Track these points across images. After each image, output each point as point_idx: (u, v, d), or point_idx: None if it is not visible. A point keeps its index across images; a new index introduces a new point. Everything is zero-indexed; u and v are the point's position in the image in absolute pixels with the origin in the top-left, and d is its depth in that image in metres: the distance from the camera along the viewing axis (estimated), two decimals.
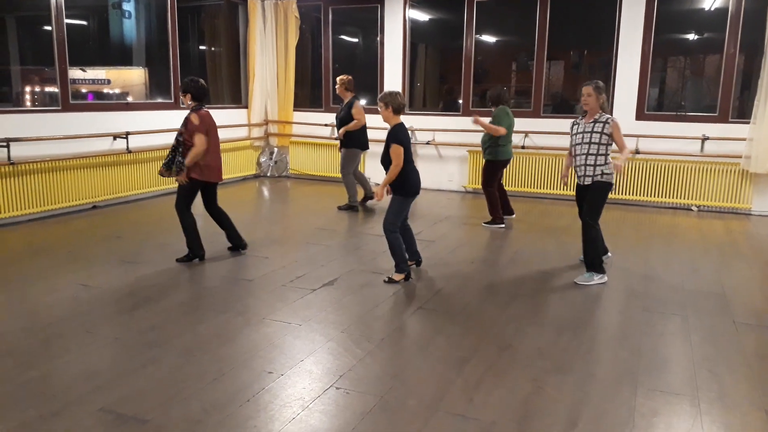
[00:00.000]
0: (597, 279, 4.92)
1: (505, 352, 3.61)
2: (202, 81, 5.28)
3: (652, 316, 4.24)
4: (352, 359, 3.49)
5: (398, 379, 3.26)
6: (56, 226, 6.65)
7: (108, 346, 3.63)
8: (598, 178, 4.92)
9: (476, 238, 6.54)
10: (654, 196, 8.27)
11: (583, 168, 4.97)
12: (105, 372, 3.29)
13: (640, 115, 8.28)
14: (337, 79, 7.83)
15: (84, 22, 9.33)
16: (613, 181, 4.97)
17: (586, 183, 4.99)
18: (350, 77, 7.82)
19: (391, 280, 4.89)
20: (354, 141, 7.74)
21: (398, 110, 4.84)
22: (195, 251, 5.37)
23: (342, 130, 7.67)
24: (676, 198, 8.15)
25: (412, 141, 9.50)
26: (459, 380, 3.25)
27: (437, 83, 11.29)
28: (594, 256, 4.96)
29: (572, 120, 5.16)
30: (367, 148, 7.96)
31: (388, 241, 4.87)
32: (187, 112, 5.23)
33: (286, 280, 4.87)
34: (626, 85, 8.29)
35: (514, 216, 7.34)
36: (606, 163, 4.91)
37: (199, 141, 5.10)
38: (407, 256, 5.06)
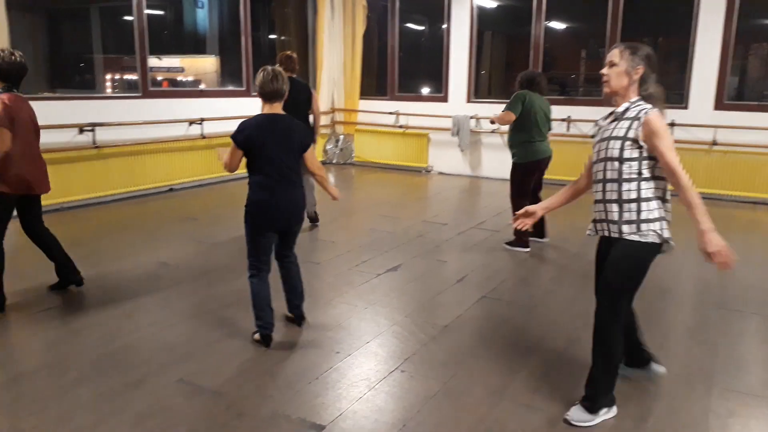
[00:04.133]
0: (602, 414, 2.76)
1: (572, 346, 3.57)
2: (16, 55, 3.73)
3: (728, 314, 4.08)
4: (416, 344, 3.54)
5: (462, 366, 3.28)
6: (136, 207, 7.00)
7: (186, 322, 3.82)
8: (627, 232, 2.60)
9: None
10: (732, 189, 7.89)
11: (600, 207, 2.70)
12: (183, 346, 3.47)
13: (719, 105, 7.90)
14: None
15: (161, 12, 9.72)
16: (662, 239, 2.60)
17: (605, 234, 2.71)
18: (291, 54, 5.79)
19: (254, 338, 3.51)
20: None
21: (265, 97, 3.35)
22: None
23: None
24: (757, 192, 7.75)
25: (477, 129, 9.43)
26: (524, 371, 3.24)
27: (503, 71, 11.13)
28: (600, 379, 2.75)
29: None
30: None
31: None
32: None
33: (351, 265, 4.97)
34: (704, 73, 7.91)
35: (546, 240, 5.69)
36: (648, 202, 2.58)
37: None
38: (287, 307, 3.71)
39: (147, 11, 7.40)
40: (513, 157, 5.57)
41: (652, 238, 2.60)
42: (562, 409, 2.85)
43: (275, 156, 3.30)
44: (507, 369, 3.26)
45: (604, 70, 2.67)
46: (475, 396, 2.98)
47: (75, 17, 9.21)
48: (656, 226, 2.60)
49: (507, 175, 9.22)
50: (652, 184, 2.61)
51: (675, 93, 8.63)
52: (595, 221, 2.77)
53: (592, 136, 2.85)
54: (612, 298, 2.70)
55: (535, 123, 5.33)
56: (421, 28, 11.18)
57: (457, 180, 9.34)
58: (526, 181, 5.51)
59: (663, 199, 2.65)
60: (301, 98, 5.52)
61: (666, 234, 2.63)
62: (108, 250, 5.30)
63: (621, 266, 2.65)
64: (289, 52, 5.78)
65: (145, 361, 3.27)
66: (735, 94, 8.39)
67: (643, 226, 2.59)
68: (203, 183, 8.28)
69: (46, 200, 6.37)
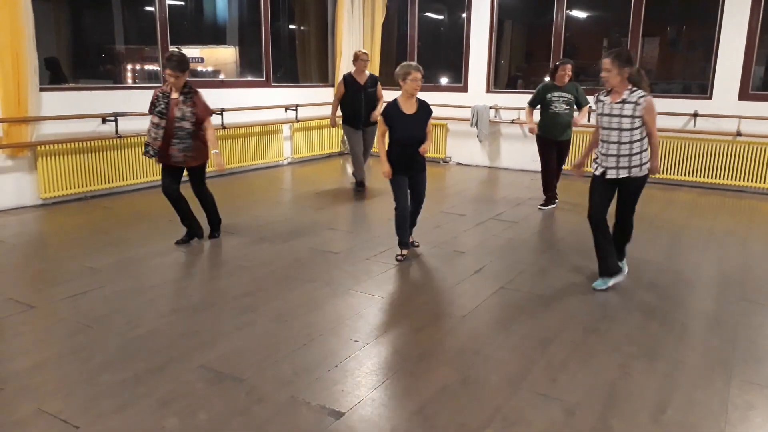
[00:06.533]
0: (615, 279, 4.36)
1: (591, 336, 3.56)
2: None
3: (749, 306, 4.04)
4: (434, 333, 3.56)
5: (480, 356, 3.30)
6: (157, 196, 7.06)
7: (206, 310, 3.88)
8: (636, 172, 4.10)
9: (559, 220, 6.42)
10: (756, 181, 7.77)
11: (613, 159, 4.11)
12: (204, 333, 3.53)
13: (744, 95, 7.77)
14: (365, 53, 7.39)
15: (182, 2, 9.76)
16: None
17: (614, 176, 4.13)
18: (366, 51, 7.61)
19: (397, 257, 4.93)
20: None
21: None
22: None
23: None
24: None
25: (496, 119, 9.40)
26: (542, 360, 3.25)
27: (523, 61, 11.03)
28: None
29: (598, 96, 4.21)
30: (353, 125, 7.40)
31: None
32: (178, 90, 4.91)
33: (369, 254, 4.99)
34: (729, 62, 7.78)
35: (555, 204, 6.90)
36: (643, 152, 4.10)
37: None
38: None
39: (169, 1, 7.46)
40: None
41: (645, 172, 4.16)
42: (580, 400, 2.86)
43: (402, 134, 4.70)
44: (525, 359, 3.27)
45: (603, 74, 4.00)
46: (493, 385, 3.00)
47: (97, 7, 9.30)
48: (648, 164, 4.13)
49: (525, 165, 9.24)
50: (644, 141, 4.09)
51: (698, 83, 8.50)
52: (605, 167, 4.13)
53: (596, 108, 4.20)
54: (632, 213, 4.29)
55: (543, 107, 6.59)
56: (441, 17, 11.11)
57: (475, 171, 9.31)
58: (540, 150, 6.78)
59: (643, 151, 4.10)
60: (374, 88, 7.39)
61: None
62: (130, 238, 5.39)
63: (637, 193, 4.21)
64: (364, 50, 7.71)
65: (167, 347, 3.33)
66: (760, 83, 8.22)
67: (644, 167, 4.11)
68: (225, 173, 8.35)
69: (69, 189, 6.58)
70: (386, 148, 4.77)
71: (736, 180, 7.87)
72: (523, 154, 9.29)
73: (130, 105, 7.14)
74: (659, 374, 3.11)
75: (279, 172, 8.96)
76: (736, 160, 7.83)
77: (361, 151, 7.49)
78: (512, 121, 9.25)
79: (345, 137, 7.76)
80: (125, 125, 7.05)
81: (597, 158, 4.25)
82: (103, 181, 6.93)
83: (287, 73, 10.22)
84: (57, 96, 6.56)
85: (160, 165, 5.10)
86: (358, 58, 7.25)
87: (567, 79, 6.40)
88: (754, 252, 5.26)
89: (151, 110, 4.91)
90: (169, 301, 3.99)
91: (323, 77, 10.50)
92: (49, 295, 4.05)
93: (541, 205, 6.82)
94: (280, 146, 9.25)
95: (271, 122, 9.01)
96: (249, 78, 9.26)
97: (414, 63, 4.76)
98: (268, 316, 3.75)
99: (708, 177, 8.02)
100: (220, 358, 3.21)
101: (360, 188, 7.64)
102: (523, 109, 8.99)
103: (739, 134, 7.76)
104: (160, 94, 4.90)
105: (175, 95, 4.90)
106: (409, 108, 4.73)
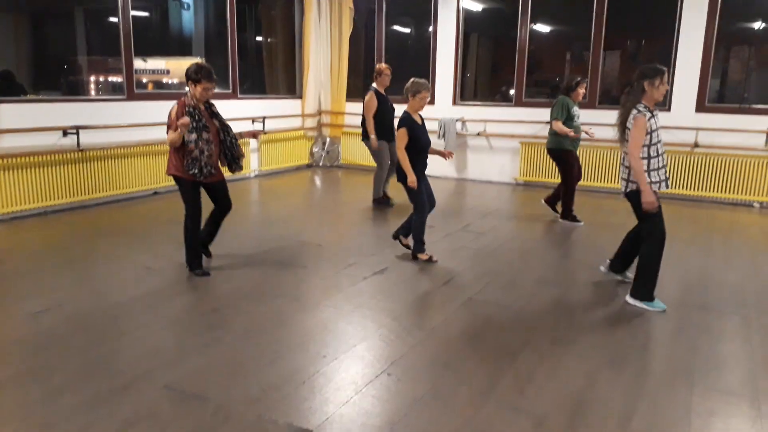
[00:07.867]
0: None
1: (557, 346, 3.60)
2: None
3: (709, 314, 4.14)
4: (403, 346, 3.55)
5: (449, 368, 3.30)
6: (120, 211, 6.95)
7: (171, 326, 3.81)
8: None
9: (526, 231, 6.50)
10: (713, 191, 8.01)
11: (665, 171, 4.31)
12: (169, 350, 3.46)
13: (701, 107, 8.02)
14: (389, 67, 7.37)
15: (146, 14, 9.64)
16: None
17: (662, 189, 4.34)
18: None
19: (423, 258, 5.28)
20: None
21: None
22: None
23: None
24: (737, 194, 7.88)
25: (463, 131, 9.50)
26: (510, 372, 3.27)
27: (489, 74, 11.19)
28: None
29: (647, 111, 4.25)
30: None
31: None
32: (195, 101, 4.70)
33: (338, 268, 4.97)
34: (686, 75, 8.03)
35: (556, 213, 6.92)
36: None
37: None
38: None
39: (132, 12, 7.35)
40: None
41: None
42: (548, 410, 2.88)
43: (425, 141, 5.14)
44: (493, 371, 3.28)
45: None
46: (462, 398, 3.00)
47: (59, 18, 9.12)
48: None
49: (492, 177, 9.36)
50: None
51: None
52: (663, 179, 4.35)
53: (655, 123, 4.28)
54: None
55: None
56: (408, 30, 11.22)
57: (442, 183, 9.37)
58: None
59: None
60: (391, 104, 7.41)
61: None
62: (92, 254, 5.26)
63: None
64: (385, 64, 7.37)
65: (130, 366, 3.25)
66: (716, 96, 8.50)
67: None
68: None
69: (28, 204, 6.39)
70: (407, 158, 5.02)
71: (694, 190, 8.10)
72: (489, 166, 9.41)
73: (93, 117, 6.99)
74: (625, 383, 3.16)
75: (246, 184, 8.88)
76: (694, 170, 8.06)
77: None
78: (478, 134, 9.35)
79: (376, 152, 7.36)
80: (87, 138, 6.90)
81: (657, 178, 4.24)
82: (64, 195, 6.75)
83: (254, 84, 10.15)
84: (15, 108, 6.38)
85: (190, 185, 4.59)
86: (383, 73, 7.25)
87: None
88: (713, 260, 5.40)
89: (186, 127, 4.43)
90: (132, 319, 3.89)
91: (291, 89, 10.47)
92: (6, 314, 3.91)
93: (575, 220, 6.70)
94: (247, 158, 9.15)
95: (238, 134, 8.91)
96: (215, 90, 9.16)
97: (426, 82, 5.10)
98: (235, 333, 3.69)
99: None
100: (185, 377, 3.14)
101: (390, 204, 7.42)
102: (490, 121, 9.18)
103: (696, 145, 7.99)
104: (192, 109, 4.53)
105: (202, 107, 4.67)
106: (418, 118, 5.16)
